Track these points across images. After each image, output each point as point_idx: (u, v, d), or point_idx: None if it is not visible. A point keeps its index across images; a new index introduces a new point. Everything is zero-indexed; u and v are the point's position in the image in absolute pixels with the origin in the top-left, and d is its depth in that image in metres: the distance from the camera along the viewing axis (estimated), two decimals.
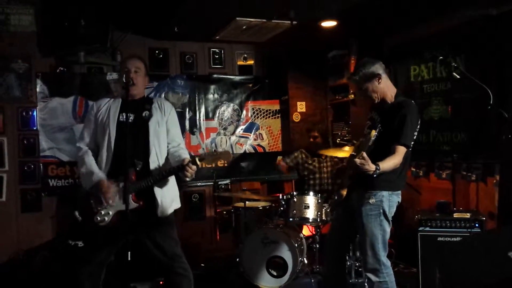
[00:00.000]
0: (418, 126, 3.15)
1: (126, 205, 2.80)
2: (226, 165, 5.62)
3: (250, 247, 4.24)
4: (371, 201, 3.10)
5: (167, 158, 3.19)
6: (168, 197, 3.14)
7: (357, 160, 2.78)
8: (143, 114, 3.14)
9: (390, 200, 3.12)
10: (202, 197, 5.68)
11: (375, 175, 2.87)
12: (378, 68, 3.17)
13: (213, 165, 5.09)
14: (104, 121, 3.12)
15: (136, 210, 2.97)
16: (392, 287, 3.15)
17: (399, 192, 3.20)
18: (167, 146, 3.20)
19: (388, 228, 3.16)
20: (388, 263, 3.17)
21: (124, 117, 3.05)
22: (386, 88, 3.19)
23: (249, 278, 4.22)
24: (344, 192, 3.22)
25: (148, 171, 3.06)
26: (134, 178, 3.00)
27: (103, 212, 2.99)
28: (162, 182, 3.10)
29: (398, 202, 3.20)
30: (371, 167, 2.82)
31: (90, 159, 3.09)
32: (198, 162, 2.97)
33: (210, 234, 5.61)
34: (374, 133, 2.83)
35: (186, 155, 3.12)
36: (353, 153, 2.93)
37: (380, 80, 3.15)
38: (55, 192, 4.99)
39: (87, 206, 3.02)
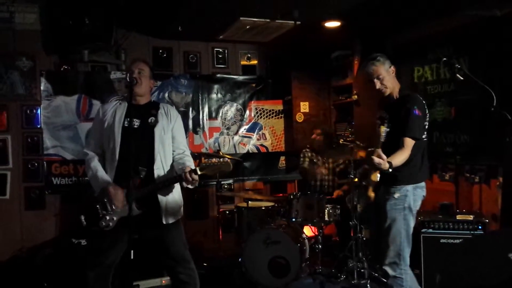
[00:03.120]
0: (428, 118, 3.22)
1: (129, 212, 2.79)
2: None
3: (253, 247, 4.24)
4: (396, 195, 3.15)
5: (172, 165, 3.18)
6: (173, 206, 3.13)
7: (375, 159, 2.85)
8: (149, 120, 3.13)
9: (415, 194, 3.17)
10: (205, 197, 5.69)
11: (387, 172, 2.94)
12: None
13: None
14: (109, 127, 3.10)
15: (140, 216, 2.95)
16: (406, 286, 3.15)
17: (424, 185, 3.24)
18: (172, 153, 3.20)
19: (412, 223, 3.19)
20: (407, 260, 3.18)
21: (129, 122, 3.04)
22: (395, 83, 3.31)
23: (251, 278, 4.22)
24: (371, 194, 3.20)
25: (152, 178, 3.05)
26: (138, 185, 2.99)
27: (108, 218, 2.99)
28: (167, 190, 3.09)
29: (424, 196, 3.25)
30: (386, 166, 2.89)
31: (95, 164, 3.09)
32: (199, 172, 2.96)
33: (213, 233, 5.62)
34: (383, 128, 2.92)
35: (190, 163, 3.11)
36: (370, 149, 3.00)
37: (394, 72, 3.29)
38: (58, 190, 5.01)
39: (92, 210, 3.03)
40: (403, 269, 3.14)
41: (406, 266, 3.17)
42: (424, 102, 3.24)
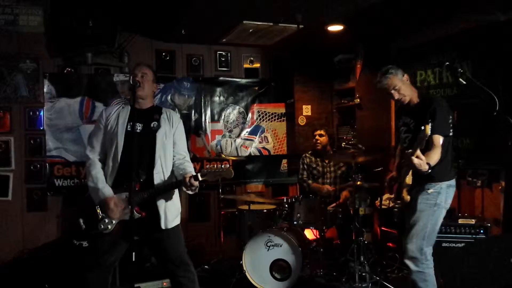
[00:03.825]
0: (451, 117, 3.27)
1: (131, 216, 2.81)
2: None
3: (254, 249, 4.24)
4: (429, 191, 3.20)
5: (172, 171, 3.19)
6: (172, 211, 3.14)
7: (415, 160, 2.90)
8: (152, 125, 3.14)
9: (447, 192, 3.24)
10: (206, 199, 5.69)
11: (426, 173, 2.98)
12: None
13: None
14: (112, 131, 3.11)
15: (140, 220, 2.96)
16: (431, 281, 3.16)
17: (455, 184, 3.30)
18: (173, 159, 3.20)
19: (440, 221, 3.23)
20: (430, 256, 3.20)
21: (132, 126, 3.06)
22: (412, 89, 3.39)
23: (252, 280, 4.22)
24: (407, 197, 3.22)
25: (151, 182, 3.06)
26: (137, 189, 3.00)
27: (106, 221, 3.01)
28: (166, 195, 3.10)
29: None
30: (425, 167, 2.94)
31: (96, 172, 3.07)
32: (200, 178, 2.97)
33: (214, 236, 5.62)
34: (428, 127, 2.91)
35: (190, 169, 3.13)
36: (409, 150, 3.01)
37: (408, 80, 3.36)
38: (60, 191, 5.02)
39: (91, 213, 3.04)
40: (426, 264, 3.16)
41: (428, 261, 3.18)
42: (446, 102, 3.32)
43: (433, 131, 3.07)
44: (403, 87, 3.32)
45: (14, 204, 4.90)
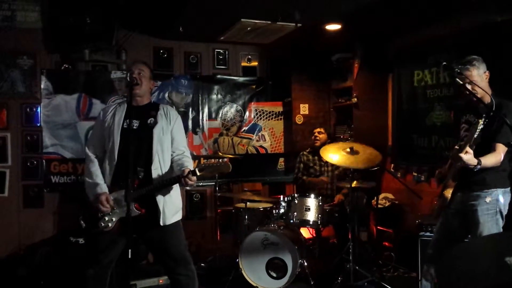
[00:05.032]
0: None
1: (127, 212, 2.82)
2: None
3: (250, 248, 4.25)
4: (487, 200, 3.08)
5: (171, 166, 3.19)
6: (171, 207, 3.14)
7: (463, 156, 2.83)
8: (148, 121, 3.15)
9: (505, 197, 3.13)
10: (203, 197, 5.70)
11: (475, 170, 2.92)
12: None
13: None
14: (109, 128, 3.13)
15: (139, 217, 2.97)
16: None
17: (509, 191, 3.19)
18: (172, 154, 3.20)
19: (501, 226, 3.13)
20: None
21: (129, 124, 3.06)
22: (487, 88, 3.17)
23: (248, 279, 4.22)
24: (448, 194, 3.16)
25: (150, 178, 3.07)
26: (135, 185, 3.00)
27: (106, 218, 3.02)
28: (165, 191, 3.10)
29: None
30: (474, 161, 2.87)
31: (94, 169, 3.11)
32: (198, 173, 2.97)
33: (211, 234, 5.62)
34: (481, 122, 2.84)
35: (189, 163, 3.13)
36: (457, 146, 2.96)
37: (487, 78, 3.14)
38: (57, 188, 5.01)
39: (91, 211, 3.05)
40: None
41: None
42: None
43: (496, 139, 3.00)
44: (479, 83, 3.10)
45: (10, 201, 4.89)
